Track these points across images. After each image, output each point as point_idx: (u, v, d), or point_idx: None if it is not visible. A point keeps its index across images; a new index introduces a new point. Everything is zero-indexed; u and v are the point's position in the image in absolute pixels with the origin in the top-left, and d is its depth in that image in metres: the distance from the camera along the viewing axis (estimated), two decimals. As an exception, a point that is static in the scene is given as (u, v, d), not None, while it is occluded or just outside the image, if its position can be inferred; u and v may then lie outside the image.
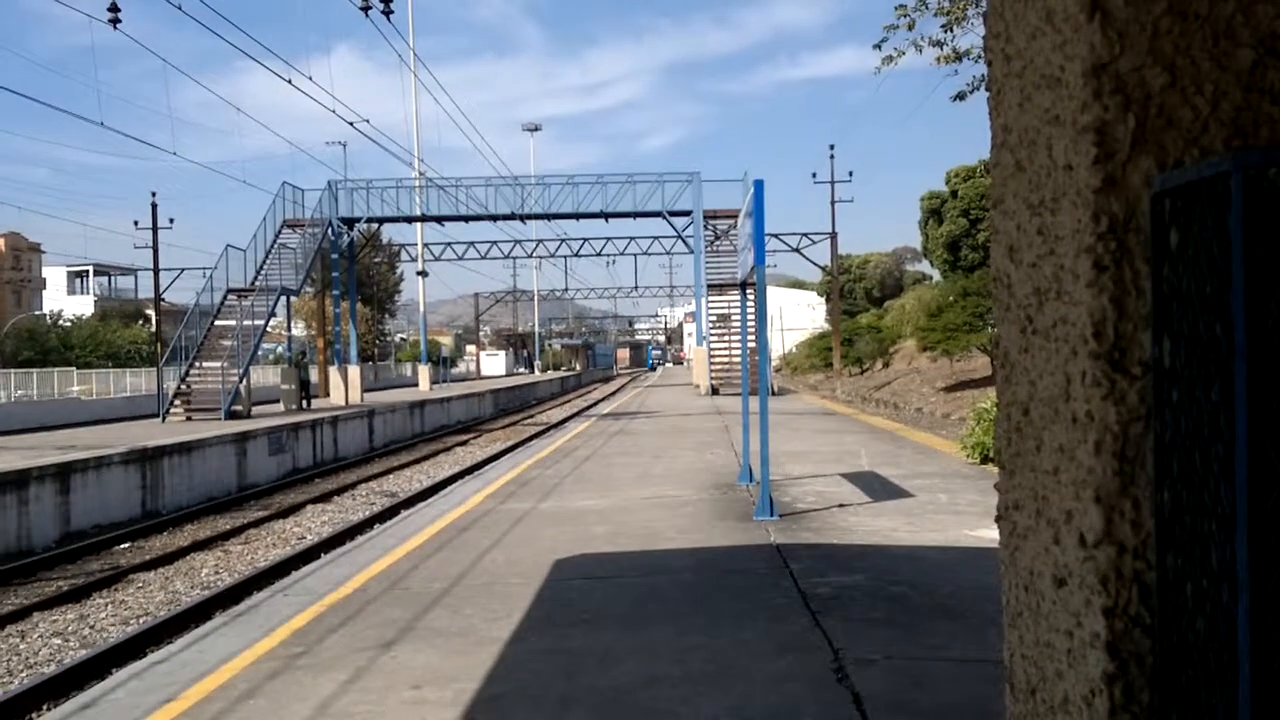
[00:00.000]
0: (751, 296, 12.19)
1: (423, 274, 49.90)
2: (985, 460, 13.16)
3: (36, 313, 75.75)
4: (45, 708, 7.63)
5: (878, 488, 11.37)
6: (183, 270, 58.19)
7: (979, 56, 15.15)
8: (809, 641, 5.56)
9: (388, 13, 19.60)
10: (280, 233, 32.64)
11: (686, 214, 36.96)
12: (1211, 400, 1.09)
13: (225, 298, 29.64)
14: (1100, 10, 1.25)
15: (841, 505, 10.23)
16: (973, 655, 5.21)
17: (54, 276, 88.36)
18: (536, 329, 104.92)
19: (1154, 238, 1.21)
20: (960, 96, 15.98)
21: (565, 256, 56.66)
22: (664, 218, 37.51)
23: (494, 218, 38.10)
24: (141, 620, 10.47)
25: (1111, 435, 1.25)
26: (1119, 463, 1.25)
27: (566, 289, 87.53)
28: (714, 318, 36.43)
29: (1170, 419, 1.18)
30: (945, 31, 15.47)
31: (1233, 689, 1.06)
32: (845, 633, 5.66)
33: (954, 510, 9.73)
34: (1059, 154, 1.35)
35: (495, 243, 53.50)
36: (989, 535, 8.17)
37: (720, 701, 4.71)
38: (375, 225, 40.80)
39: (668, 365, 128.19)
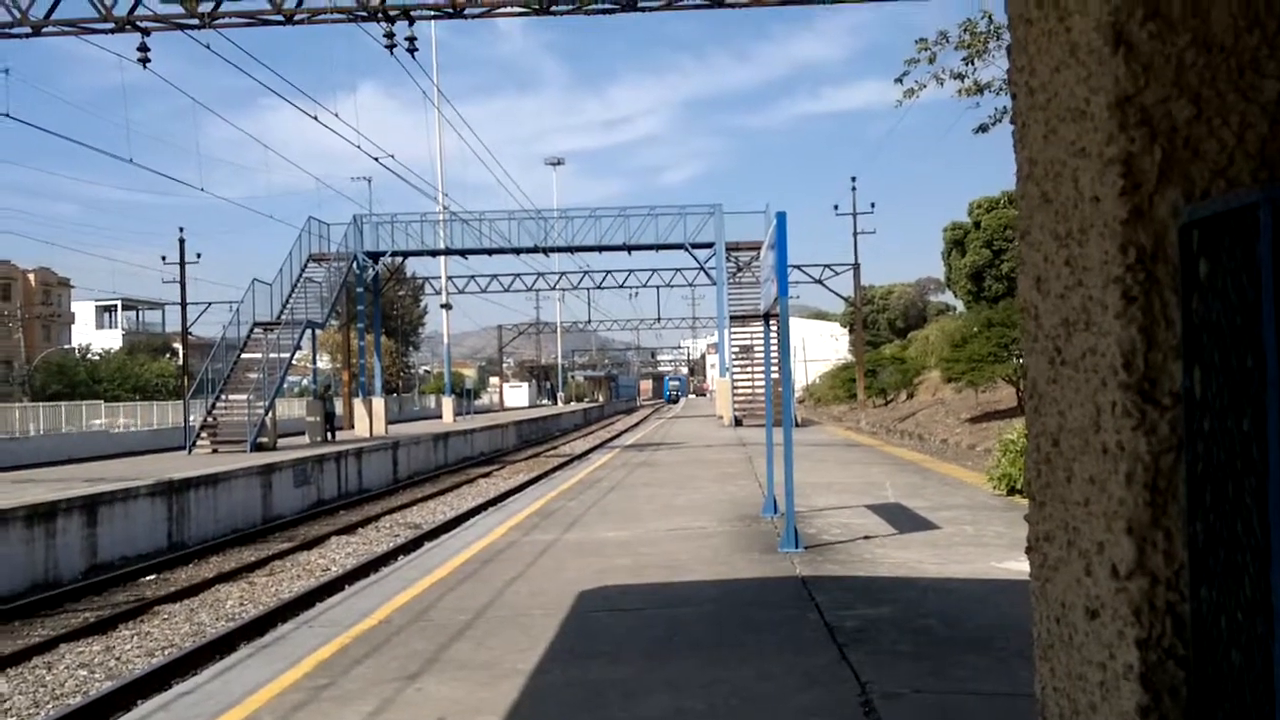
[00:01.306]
0: (774, 328, 12.19)
1: (446, 307, 50.17)
2: (1012, 492, 13.05)
3: (65, 347, 76.60)
4: (71, 740, 7.65)
5: (903, 520, 11.30)
6: (210, 304, 58.88)
7: (1000, 89, 15.15)
8: (836, 674, 5.51)
9: (412, 50, 19.82)
10: (306, 267, 32.96)
11: (709, 246, 37.07)
12: (1243, 431, 1.09)
13: (251, 331, 29.90)
14: (1125, 43, 1.26)
15: (867, 537, 10.17)
16: (1001, 689, 5.16)
17: (83, 311, 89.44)
18: (559, 361, 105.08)
19: (1183, 269, 1.22)
20: (982, 129, 15.96)
21: (588, 289, 56.93)
22: (686, 250, 37.63)
23: (517, 251, 38.35)
24: (167, 652, 10.50)
25: (1143, 466, 1.25)
26: (1150, 494, 1.25)
27: (589, 321, 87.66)
28: (737, 349, 36.41)
29: (1202, 450, 1.18)
30: (966, 64, 15.49)
31: (1269, 722, 1.05)
32: (872, 666, 5.62)
33: (980, 542, 9.65)
34: (1085, 186, 1.35)
35: (519, 275, 53.89)
36: (1016, 567, 8.09)
37: (746, 735, 4.67)
38: (399, 259, 41.11)
39: (690, 397, 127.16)
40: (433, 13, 19.60)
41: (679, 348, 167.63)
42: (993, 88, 15.38)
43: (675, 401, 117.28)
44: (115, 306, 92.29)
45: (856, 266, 46.76)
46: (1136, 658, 1.25)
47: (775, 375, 14.78)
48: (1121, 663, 1.28)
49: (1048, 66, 1.46)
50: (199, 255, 51.62)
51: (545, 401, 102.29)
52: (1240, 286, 1.10)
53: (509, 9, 19.31)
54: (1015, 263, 1.68)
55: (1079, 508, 1.40)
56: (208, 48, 18.82)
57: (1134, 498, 1.26)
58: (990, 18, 14.96)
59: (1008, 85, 1.67)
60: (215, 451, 27.14)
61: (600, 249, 38.37)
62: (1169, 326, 1.25)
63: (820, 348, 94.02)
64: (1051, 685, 1.51)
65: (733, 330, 36.05)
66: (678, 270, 53.95)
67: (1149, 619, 1.25)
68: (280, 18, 19.05)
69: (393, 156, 31.79)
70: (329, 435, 31.21)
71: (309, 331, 32.23)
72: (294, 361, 32.47)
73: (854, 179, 46.80)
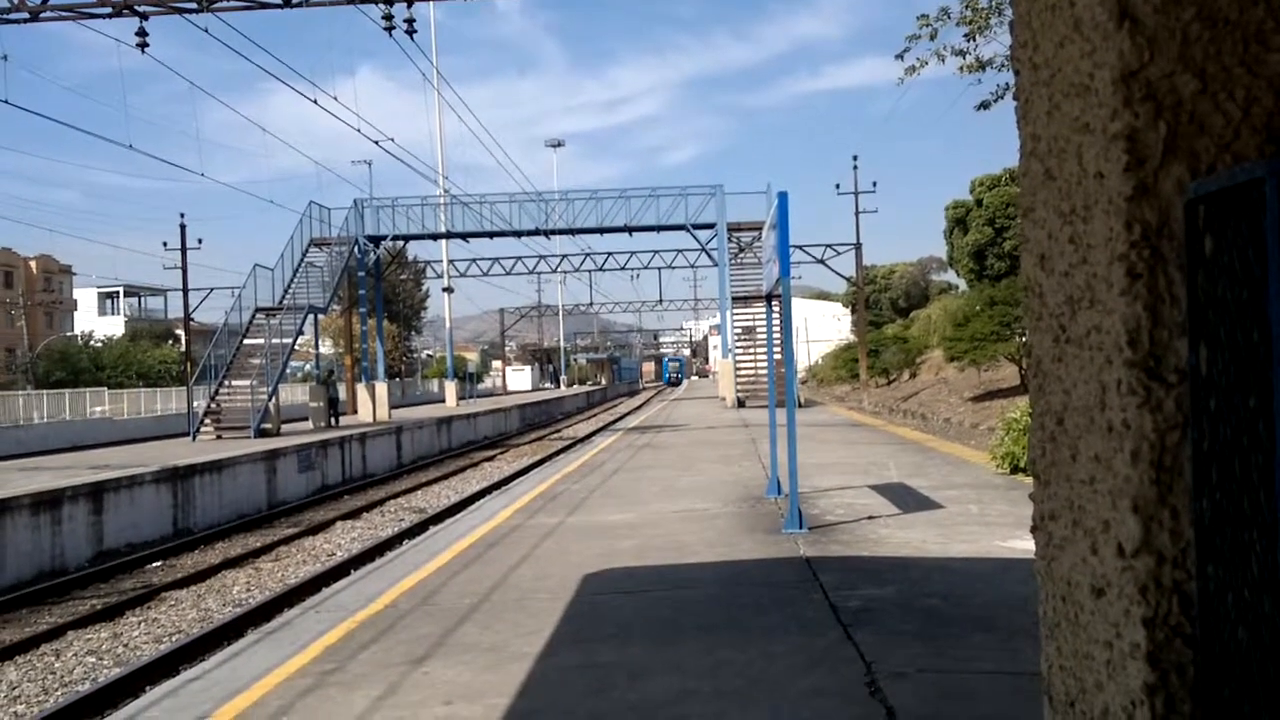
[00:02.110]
0: (777, 308, 12.17)
1: (448, 290, 50.12)
2: (1015, 470, 13.06)
3: (68, 334, 76.63)
4: (80, 726, 7.69)
5: (907, 499, 11.31)
6: (212, 290, 58.80)
7: (1002, 65, 15.09)
8: (841, 655, 5.53)
9: (411, 32, 19.74)
10: (307, 251, 32.90)
11: (710, 227, 37.00)
12: (1250, 407, 1.08)
13: (254, 317, 29.89)
14: (1129, 17, 1.25)
15: (871, 517, 10.18)
16: (1006, 668, 5.17)
17: (85, 298, 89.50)
18: (562, 344, 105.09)
19: (1188, 245, 1.21)
20: (984, 105, 15.89)
21: (589, 271, 56.85)
22: (688, 231, 37.56)
23: (518, 233, 38.28)
24: (175, 638, 10.55)
25: (1148, 444, 1.24)
26: (1156, 471, 1.24)
27: (591, 303, 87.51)
28: (739, 330, 36.40)
29: (1208, 427, 1.17)
30: (968, 40, 15.41)
31: (1276, 699, 1.05)
32: (877, 646, 5.63)
33: (984, 521, 9.66)
34: (1090, 162, 1.34)
35: (520, 258, 53.77)
36: (1020, 546, 8.10)
37: (752, 715, 4.69)
38: (401, 242, 41.05)
39: (693, 378, 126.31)
40: (431, -5, 19.52)
41: (681, 329, 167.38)
42: (995, 64, 15.31)
43: (676, 384, 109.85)
44: (117, 293, 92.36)
45: (858, 246, 46.65)
46: (1143, 636, 1.24)
47: (778, 356, 14.79)
48: (1128, 641, 1.27)
49: (1051, 42, 1.45)
50: (200, 241, 51.39)
51: (548, 385, 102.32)
52: (1246, 262, 1.09)
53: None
54: (1018, 240, 1.66)
55: (1084, 486, 1.39)
56: (206, 31, 18.76)
57: (1140, 475, 1.25)
58: (992, -7, 14.88)
59: (1010, 61, 1.65)
60: (219, 438, 27.19)
61: (601, 231, 38.29)
62: (1174, 303, 1.24)
63: (822, 328, 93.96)
64: (1058, 664, 1.51)
65: (735, 311, 36.03)
66: (679, 251, 53.85)
67: (1155, 597, 1.24)
68: (279, 0, 18.97)
69: (393, 140, 31.75)
70: (332, 420, 31.25)
71: (311, 316, 32.22)
72: (296, 347, 32.47)
73: (855, 158, 46.62)
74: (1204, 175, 1.22)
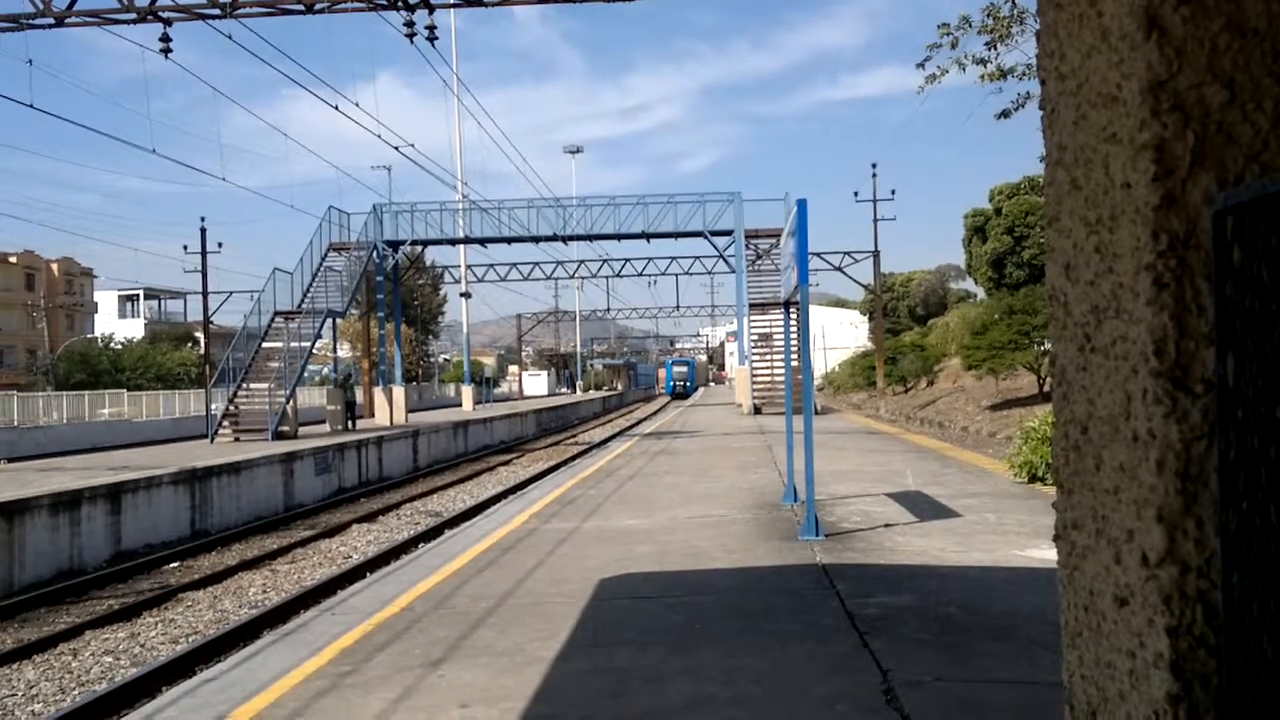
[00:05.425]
0: (794, 315, 12.16)
1: (466, 295, 50.24)
2: (1033, 479, 13.00)
3: (89, 336, 77.19)
4: (99, 725, 7.73)
5: (924, 507, 11.27)
6: (231, 293, 58.85)
7: (1023, 74, 15.04)
8: (857, 662, 5.52)
9: (432, 39, 19.82)
10: (326, 256, 33.04)
11: (728, 234, 36.99)
12: (1276, 418, 1.08)
13: (272, 320, 30.03)
14: (1157, 28, 1.25)
15: (888, 525, 10.15)
16: (1023, 677, 5.15)
17: (105, 300, 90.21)
18: (578, 349, 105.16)
19: (1216, 255, 1.21)
20: (1005, 114, 15.84)
21: (607, 277, 56.89)
22: (705, 238, 37.55)
23: (536, 239, 38.37)
24: (191, 639, 10.60)
25: (1174, 453, 1.24)
26: (1181, 481, 1.24)
27: (608, 309, 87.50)
28: (756, 337, 36.35)
29: (1235, 437, 1.17)
30: (989, 49, 15.36)
31: (1302, 710, 1.05)
32: (894, 654, 5.62)
33: (1002, 530, 9.62)
34: (1117, 172, 1.34)
35: (538, 264, 53.95)
36: (1038, 555, 8.07)
37: (768, 723, 4.68)
38: (419, 247, 41.17)
39: (710, 385, 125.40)
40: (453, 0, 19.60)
41: (698, 336, 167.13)
42: (1016, 73, 15.26)
43: (684, 396, 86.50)
44: (138, 296, 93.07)
45: (876, 254, 46.60)
46: (1167, 645, 1.24)
47: (795, 363, 14.76)
48: (1151, 651, 1.27)
49: (1078, 51, 1.45)
50: (220, 245, 51.87)
51: (564, 390, 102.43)
52: (1275, 273, 1.09)
53: (528, -3, 19.28)
54: (1041, 249, 1.67)
55: (1108, 495, 1.39)
56: (229, 37, 18.88)
57: (1165, 485, 1.25)
58: (1014, 1, 14.83)
59: (1034, 70, 1.66)
60: (237, 440, 27.33)
61: (619, 237, 38.33)
62: (1201, 313, 1.24)
63: (840, 335, 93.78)
64: (1079, 673, 1.51)
65: (752, 318, 35.99)
66: (697, 258, 53.92)
67: (1179, 607, 1.24)
68: (301, 6, 19.09)
69: (413, 145, 31.78)
70: (349, 424, 31.35)
71: (329, 320, 32.35)
72: (315, 350, 32.59)
73: (874, 165, 46.63)
74: (1232, 186, 1.22)
